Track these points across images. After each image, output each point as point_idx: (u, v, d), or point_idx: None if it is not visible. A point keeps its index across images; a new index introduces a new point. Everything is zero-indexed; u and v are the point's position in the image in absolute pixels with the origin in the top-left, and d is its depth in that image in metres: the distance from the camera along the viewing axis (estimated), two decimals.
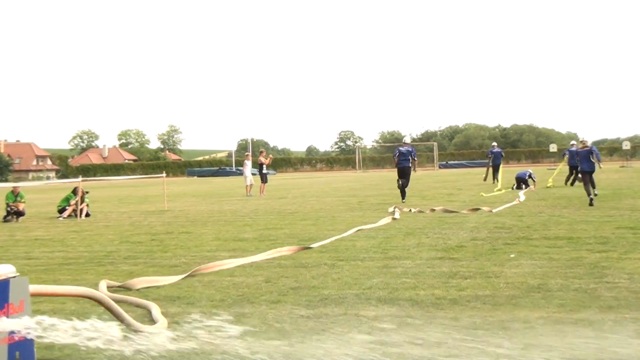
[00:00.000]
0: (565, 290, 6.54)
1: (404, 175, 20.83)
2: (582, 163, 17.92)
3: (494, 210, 15.81)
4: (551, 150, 66.93)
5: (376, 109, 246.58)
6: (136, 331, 5.45)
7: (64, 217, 18.79)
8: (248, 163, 29.54)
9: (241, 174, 32.94)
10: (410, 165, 20.91)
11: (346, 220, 14.83)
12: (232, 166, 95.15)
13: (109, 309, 5.34)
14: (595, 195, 17.36)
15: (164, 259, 9.88)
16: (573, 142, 31.41)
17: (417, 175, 21.65)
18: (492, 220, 13.64)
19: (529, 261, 8.38)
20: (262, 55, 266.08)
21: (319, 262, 8.85)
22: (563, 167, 29.89)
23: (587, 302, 6.04)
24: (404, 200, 20.23)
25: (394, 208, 16.83)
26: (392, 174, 64.51)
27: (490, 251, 9.36)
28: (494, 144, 34.13)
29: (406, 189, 21.03)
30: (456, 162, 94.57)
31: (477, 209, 16.24)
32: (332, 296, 6.66)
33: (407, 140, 22.82)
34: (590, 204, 16.13)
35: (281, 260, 9.13)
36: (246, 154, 32.99)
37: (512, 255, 8.87)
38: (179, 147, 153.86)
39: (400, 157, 20.97)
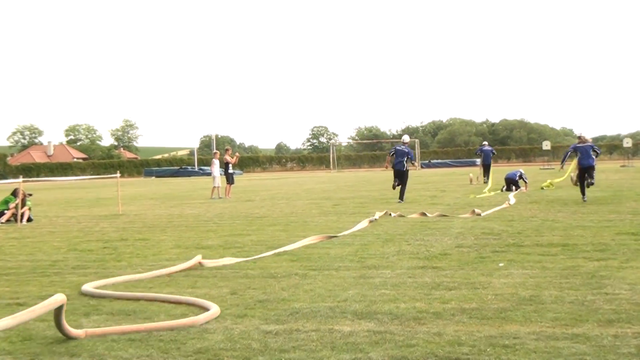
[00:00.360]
0: (560, 303, 6.58)
1: (398, 177, 21.75)
2: (583, 159, 19.29)
3: (482, 214, 15.89)
4: (544, 147, 67.09)
5: (352, 102, 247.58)
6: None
7: (2, 222, 18.50)
8: (216, 162, 29.41)
9: (208, 174, 32.88)
10: (404, 168, 21.78)
11: (319, 226, 14.85)
12: (194, 165, 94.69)
13: (57, 312, 5.37)
14: (592, 183, 19.08)
15: (118, 268, 9.77)
16: None
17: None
18: (479, 226, 13.70)
19: (519, 270, 8.42)
20: (227, 45, 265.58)
21: (290, 272, 8.81)
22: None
23: (584, 315, 6.08)
24: (400, 201, 21.22)
25: (385, 213, 16.86)
26: (370, 174, 64.91)
27: (477, 260, 9.40)
28: (485, 142, 34.85)
29: (404, 191, 21.97)
30: (440, 160, 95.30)
31: (474, 211, 16.37)
32: (303, 309, 6.63)
33: (406, 139, 23.30)
34: (584, 199, 18.72)
35: (248, 270, 9.09)
36: (214, 152, 32.91)
37: (501, 264, 8.91)
38: (135, 144, 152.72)
39: (396, 158, 22.04)
